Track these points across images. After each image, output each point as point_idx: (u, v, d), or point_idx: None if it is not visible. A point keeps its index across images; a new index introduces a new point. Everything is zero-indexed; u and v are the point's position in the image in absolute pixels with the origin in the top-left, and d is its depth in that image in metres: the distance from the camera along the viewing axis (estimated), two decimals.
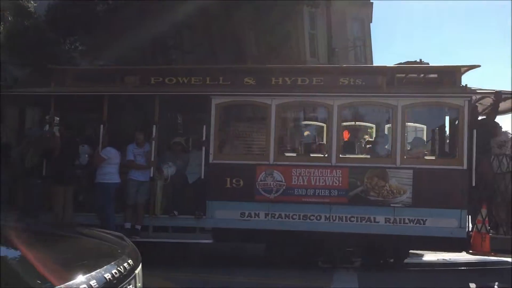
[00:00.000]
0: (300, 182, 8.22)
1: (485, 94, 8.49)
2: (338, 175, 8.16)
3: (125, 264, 2.67)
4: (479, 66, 8.25)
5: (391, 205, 8.04)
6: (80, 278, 2.24)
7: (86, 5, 13.49)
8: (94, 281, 2.27)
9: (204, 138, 8.43)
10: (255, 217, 8.27)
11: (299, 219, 8.20)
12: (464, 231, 7.93)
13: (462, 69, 8.49)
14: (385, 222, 8.07)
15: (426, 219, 7.97)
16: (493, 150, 8.40)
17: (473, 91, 8.29)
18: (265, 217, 8.24)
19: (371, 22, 21.41)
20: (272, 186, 8.26)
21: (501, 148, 8.32)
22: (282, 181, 8.23)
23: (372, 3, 21.11)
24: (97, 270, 2.40)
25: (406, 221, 8.02)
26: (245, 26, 14.11)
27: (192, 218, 8.33)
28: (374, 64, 19.18)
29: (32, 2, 13.65)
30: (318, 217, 8.18)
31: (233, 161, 8.52)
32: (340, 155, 8.36)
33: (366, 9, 20.72)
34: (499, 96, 8.23)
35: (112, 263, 2.61)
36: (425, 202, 7.98)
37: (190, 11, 12.98)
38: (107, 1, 13.92)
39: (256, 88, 8.63)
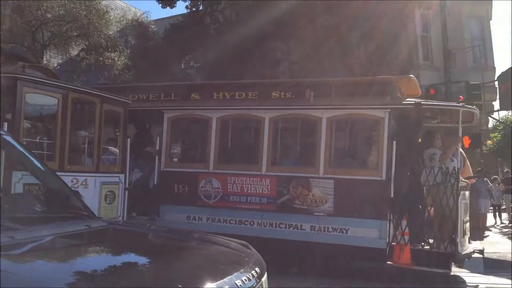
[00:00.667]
0: (234, 190, 8.88)
1: (405, 105, 8.29)
2: (267, 184, 8.65)
3: (253, 272, 2.64)
4: (410, 76, 8.05)
5: (315, 213, 8.30)
6: (211, 284, 2.31)
7: (201, 25, 15.39)
8: (227, 287, 2.37)
9: (157, 148, 9.49)
10: (198, 220, 9.15)
11: (235, 224, 8.89)
12: (384, 242, 7.90)
13: (395, 80, 8.59)
14: (311, 230, 8.37)
15: (348, 228, 8.11)
16: (425, 162, 8.29)
17: (394, 103, 8.21)
18: (207, 221, 9.09)
19: (491, 19, 19.48)
20: (211, 192, 9.02)
21: (431, 161, 8.23)
22: (219, 188, 8.97)
23: None
24: (228, 277, 2.44)
25: (330, 229, 8.23)
26: (351, 31, 14.29)
27: (147, 219, 9.50)
28: (495, 65, 18.67)
29: (152, 26, 15.74)
30: (252, 223, 8.78)
31: (179, 169, 9.42)
32: (271, 165, 8.78)
33: (484, 6, 18.75)
34: (418, 107, 8.05)
35: (241, 270, 2.60)
36: (346, 212, 8.12)
37: (297, 20, 13.95)
38: (219, 21, 15.60)
39: (201, 103, 9.42)
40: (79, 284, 2.11)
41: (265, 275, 2.87)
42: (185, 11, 16.19)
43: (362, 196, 8.09)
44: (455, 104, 9.06)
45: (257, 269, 2.75)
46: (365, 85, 8.93)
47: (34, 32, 15.05)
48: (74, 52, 17.28)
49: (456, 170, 7.88)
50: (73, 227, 3.01)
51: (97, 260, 2.65)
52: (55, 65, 17.47)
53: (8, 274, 2.07)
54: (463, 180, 8.30)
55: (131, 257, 2.70)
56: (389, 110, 8.08)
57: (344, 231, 8.14)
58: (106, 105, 8.02)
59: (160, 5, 15.41)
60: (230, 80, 13.51)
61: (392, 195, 7.86)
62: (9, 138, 3.74)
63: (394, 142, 7.92)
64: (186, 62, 16.42)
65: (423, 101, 8.30)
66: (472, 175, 9.60)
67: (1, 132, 3.84)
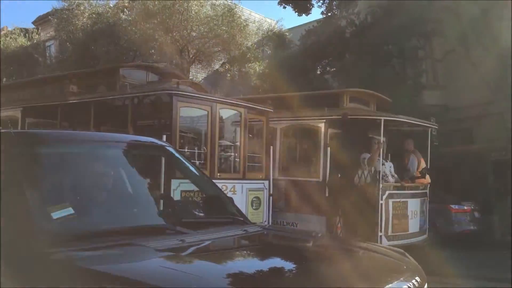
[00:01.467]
0: None
1: (335, 117, 9.18)
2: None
3: (413, 281, 2.56)
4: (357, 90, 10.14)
5: (274, 210, 8.82)
6: None
7: (336, 29, 15.54)
8: None
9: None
10: None
11: None
12: None
13: (339, 93, 9.99)
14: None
15: (297, 223, 9.00)
16: (361, 165, 9.06)
17: (329, 114, 9.24)
18: None
19: None
20: None
21: (363, 164, 8.99)
22: None
23: None
24: (388, 286, 2.42)
25: (284, 223, 9.09)
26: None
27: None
28: None
29: (287, 34, 16.50)
30: None
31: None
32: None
33: None
34: (345, 116, 8.90)
35: (401, 279, 2.55)
36: (294, 209, 9.05)
37: (439, 15, 13.45)
38: (355, 24, 15.58)
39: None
40: (241, 284, 2.22)
41: (426, 285, 2.75)
42: (320, 17, 16.32)
43: (306, 195, 8.80)
44: (379, 116, 9.41)
45: (417, 278, 2.64)
46: (315, 98, 10.11)
47: (181, 50, 16.33)
48: (216, 66, 18.37)
49: (379, 172, 8.64)
50: (232, 232, 3.18)
51: (256, 262, 2.78)
52: (200, 79, 18.73)
53: (179, 273, 2.27)
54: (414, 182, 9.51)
55: (289, 261, 2.75)
56: (324, 120, 9.17)
57: (294, 225, 8.99)
58: (250, 114, 8.38)
59: (296, 13, 15.70)
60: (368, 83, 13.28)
61: (327, 194, 8.75)
62: (171, 149, 4.10)
63: (328, 148, 8.91)
64: (322, 67, 16.44)
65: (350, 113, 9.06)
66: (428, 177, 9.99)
67: (164, 144, 4.22)
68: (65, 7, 17.78)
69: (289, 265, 2.68)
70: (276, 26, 18.17)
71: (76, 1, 17.66)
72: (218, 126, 7.90)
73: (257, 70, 16.45)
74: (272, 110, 8.99)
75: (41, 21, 24.58)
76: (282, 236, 3.42)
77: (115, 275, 2.20)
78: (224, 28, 15.35)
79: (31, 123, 9.46)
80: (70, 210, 2.77)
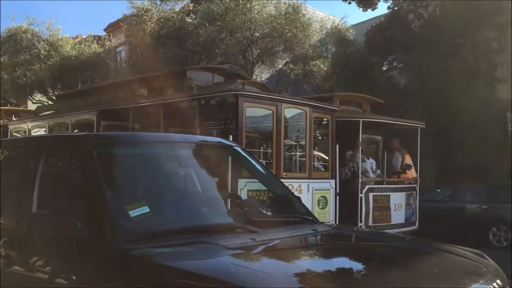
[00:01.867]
0: None
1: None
2: None
3: (494, 285, 2.49)
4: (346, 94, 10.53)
5: None
6: None
7: (403, 24, 15.07)
8: None
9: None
10: None
11: None
12: None
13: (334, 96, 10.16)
14: None
15: None
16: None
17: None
18: None
19: None
20: None
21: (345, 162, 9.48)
22: None
23: None
24: None
25: None
26: None
27: None
28: None
29: (351, 30, 16.41)
30: None
31: None
32: None
33: None
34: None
35: (481, 282, 2.49)
36: None
37: None
38: (423, 17, 15.06)
39: None
40: (312, 283, 2.21)
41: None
42: (385, 11, 15.88)
43: None
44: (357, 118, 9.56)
45: (498, 281, 2.54)
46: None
47: (245, 51, 16.50)
48: (279, 65, 18.40)
49: (358, 169, 9.16)
50: (302, 231, 3.18)
51: (327, 262, 2.76)
52: (264, 79, 18.84)
53: (250, 271, 2.30)
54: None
55: (361, 262, 2.71)
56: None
57: None
58: (315, 113, 8.32)
59: (361, 9, 15.40)
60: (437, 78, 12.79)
61: None
62: (239, 149, 4.15)
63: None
64: (389, 63, 16.00)
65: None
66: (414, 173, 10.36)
67: (232, 144, 4.29)
68: (134, 13, 18.49)
69: (361, 266, 2.64)
70: (340, 23, 17.92)
71: (145, 7, 18.32)
72: (283, 126, 7.91)
73: (321, 67, 16.28)
74: (338, 109, 8.88)
75: (112, 28, 25.73)
76: (352, 236, 3.37)
77: (188, 271, 2.26)
78: (287, 27, 15.33)
79: (105, 126, 9.93)
80: (146, 209, 2.89)
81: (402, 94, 14.28)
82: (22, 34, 20.66)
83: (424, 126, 10.48)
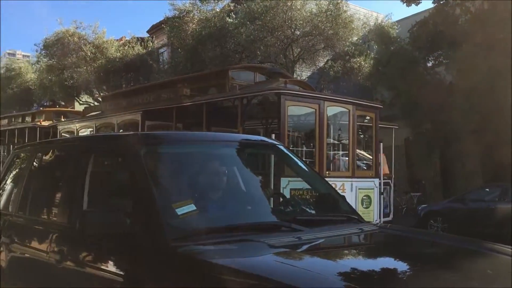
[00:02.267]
0: None
1: None
2: None
3: None
4: None
5: None
6: None
7: (449, 18, 14.45)
8: None
9: None
10: None
11: None
12: None
13: None
14: None
15: None
16: None
17: None
18: None
19: None
20: None
21: None
22: None
23: None
24: None
25: None
26: None
27: None
28: None
29: (395, 27, 16.17)
30: None
31: None
32: None
33: None
34: None
35: None
36: None
37: None
38: (470, 11, 14.40)
39: None
40: (360, 283, 2.16)
41: None
42: (430, 6, 15.42)
43: None
44: None
45: None
46: None
47: (285, 49, 16.46)
48: (320, 63, 18.24)
49: None
50: (348, 230, 3.14)
51: (375, 262, 2.71)
52: (304, 77, 18.74)
53: (297, 269, 2.28)
54: None
55: (410, 262, 2.62)
56: None
57: None
58: (358, 111, 8.21)
59: (405, 4, 15.00)
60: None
61: None
62: (282, 148, 4.14)
63: None
64: (434, 59, 15.55)
65: None
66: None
67: (275, 143, 4.27)
68: (176, 15, 18.78)
69: (409, 266, 2.56)
70: (384, 19, 17.58)
71: (186, 9, 18.57)
72: (326, 124, 7.85)
73: (362, 64, 16.02)
74: (382, 106, 8.73)
75: (155, 29, 26.23)
76: (400, 236, 3.29)
77: (235, 269, 2.27)
78: (329, 24, 15.19)
79: (149, 126, 10.15)
80: (192, 207, 2.92)
81: (448, 91, 13.86)
82: (69, 38, 21.37)
83: (397, 127, 10.66)
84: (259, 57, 17.07)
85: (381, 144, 8.65)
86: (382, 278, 2.31)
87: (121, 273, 2.72)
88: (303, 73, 19.24)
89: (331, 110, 8.19)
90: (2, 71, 33.11)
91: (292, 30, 15.91)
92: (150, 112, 10.16)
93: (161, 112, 9.91)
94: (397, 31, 16.49)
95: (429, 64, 15.76)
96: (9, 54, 60.41)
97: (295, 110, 8.14)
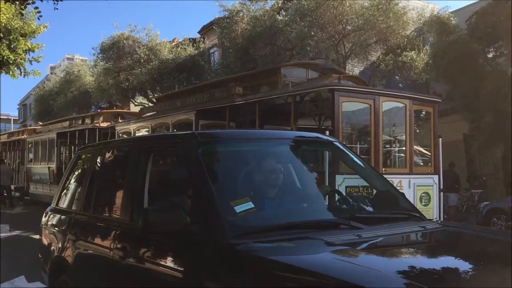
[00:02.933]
0: None
1: None
2: None
3: None
4: None
5: None
6: None
7: (509, 8, 13.40)
8: None
9: None
10: None
11: None
12: None
13: None
14: None
15: None
16: None
17: None
18: None
19: None
20: None
21: None
22: None
23: None
24: None
25: None
26: None
27: None
28: None
29: (451, 18, 15.72)
30: None
31: None
32: None
33: None
34: None
35: None
36: None
37: None
38: None
39: None
40: (424, 282, 2.07)
41: None
42: None
43: None
44: None
45: None
46: None
47: (337, 45, 16.24)
48: (372, 58, 17.87)
49: None
50: (409, 228, 3.05)
51: (438, 261, 2.61)
52: (356, 73, 18.43)
53: (356, 266, 2.24)
54: None
55: (477, 260, 2.53)
56: None
57: None
58: (415, 105, 7.97)
59: None
60: None
61: None
62: (338, 144, 4.08)
63: None
64: (495, 50, 14.83)
65: None
66: None
67: (331, 139, 4.22)
68: (226, 15, 18.96)
69: (476, 265, 2.45)
70: (440, 11, 16.97)
71: (235, 9, 18.70)
72: (381, 120, 7.67)
73: (416, 57, 15.53)
74: (440, 100, 8.43)
75: (206, 30, 26.61)
76: (464, 234, 3.17)
77: (295, 266, 2.26)
78: (381, 18, 14.84)
79: (203, 125, 10.30)
80: (250, 204, 2.93)
81: (510, 82, 13.20)
82: (124, 41, 22.06)
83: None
84: (310, 53, 16.93)
85: (440, 139, 8.33)
86: (445, 277, 2.24)
87: (181, 269, 2.77)
88: (355, 68, 18.93)
89: (387, 105, 7.99)
90: (62, 75, 34.68)
91: (343, 25, 15.67)
92: (204, 111, 10.31)
93: (214, 111, 10.04)
94: (454, 22, 15.87)
95: (489, 55, 15.05)
96: (68, 58, 63.15)
97: (349, 106, 8.01)
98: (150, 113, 13.49)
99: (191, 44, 23.04)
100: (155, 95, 21.41)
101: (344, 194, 5.18)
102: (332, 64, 11.43)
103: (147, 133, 11.98)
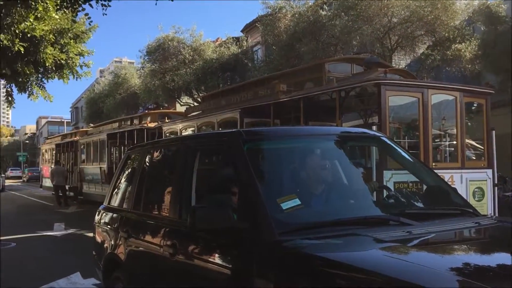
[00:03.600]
0: None
1: None
2: None
3: None
4: None
5: None
6: None
7: None
8: None
9: None
10: None
11: None
12: None
13: None
14: None
15: None
16: None
17: None
18: None
19: None
20: None
21: None
22: None
23: None
24: None
25: None
26: None
27: None
28: None
29: (502, 6, 15.24)
30: None
31: None
32: None
33: None
34: None
35: None
36: None
37: None
38: None
39: None
40: (472, 277, 2.02)
41: None
42: None
43: None
44: None
45: None
46: None
47: (382, 38, 15.90)
48: (420, 50, 17.38)
49: None
50: (462, 224, 2.95)
51: (494, 257, 2.53)
52: (403, 66, 17.98)
53: (407, 263, 2.18)
54: None
55: None
56: None
57: None
58: (466, 98, 7.69)
59: None
60: None
61: None
62: (386, 139, 3.99)
63: None
64: None
65: None
66: None
67: (379, 134, 4.13)
68: (269, 12, 18.95)
69: None
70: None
71: (278, 5, 18.66)
72: (431, 113, 7.45)
73: (464, 51, 14.95)
74: (493, 91, 8.09)
75: (249, 28, 26.73)
76: None
77: (344, 263, 2.23)
78: (428, 9, 14.41)
79: (248, 123, 10.34)
80: (297, 201, 2.92)
81: None
82: (169, 43, 22.48)
83: None
84: (355, 48, 16.67)
85: (493, 132, 8.00)
86: (501, 275, 2.14)
87: (229, 266, 2.79)
88: (401, 61, 18.50)
89: (436, 98, 7.74)
90: (110, 78, 35.75)
91: (389, 18, 15.32)
92: (248, 109, 10.35)
93: (259, 109, 10.05)
94: (505, 9, 15.20)
95: None
96: (116, 61, 65.04)
97: (396, 100, 7.82)
98: (195, 113, 13.68)
99: (234, 43, 23.18)
100: (200, 94, 21.70)
101: (392, 190, 5.08)
102: (378, 58, 11.20)
103: (192, 132, 12.15)
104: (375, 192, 3.82)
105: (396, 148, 3.88)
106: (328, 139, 3.72)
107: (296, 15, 17.62)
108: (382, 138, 3.98)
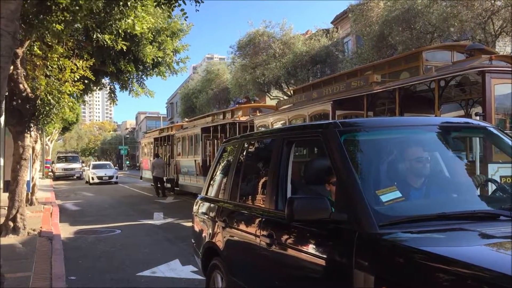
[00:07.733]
0: None
1: None
2: None
3: None
4: None
5: None
6: None
7: None
8: None
9: None
10: None
11: None
12: None
13: None
14: None
15: None
16: None
17: None
18: None
19: None
20: None
21: None
22: None
23: None
24: None
25: None
26: None
27: None
28: None
29: None
30: None
31: None
32: None
33: None
34: None
35: None
36: None
37: None
38: None
39: None
40: None
41: None
42: None
43: None
44: None
45: None
46: None
47: (484, 23, 14.86)
48: None
49: None
50: None
51: None
52: (509, 52, 16.69)
53: None
54: None
55: None
56: None
57: None
58: None
59: None
60: None
61: None
62: (493, 130, 3.73)
63: None
64: None
65: None
66: None
67: (486, 125, 3.88)
68: (361, 2, 18.49)
69: None
70: None
71: None
72: None
73: None
74: None
75: (339, 19, 26.28)
76: None
77: (447, 257, 2.12)
78: None
79: (340, 115, 10.19)
80: (397, 194, 2.83)
81: None
82: (259, 37, 22.76)
83: None
84: (454, 35, 15.75)
85: None
86: None
87: (325, 257, 2.77)
88: (507, 47, 17.18)
89: None
90: (203, 74, 36.99)
91: (492, 1, 14.29)
92: (341, 101, 10.19)
93: (351, 101, 9.86)
94: None
95: None
96: (207, 58, 67.09)
97: (502, 88, 7.26)
98: (286, 106, 13.73)
99: (324, 35, 22.93)
100: (290, 88, 21.74)
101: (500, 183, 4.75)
102: (481, 44, 10.47)
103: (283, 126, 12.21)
104: (479, 186, 3.61)
105: (505, 139, 3.61)
106: (428, 129, 3.56)
107: (389, 3, 17.01)
108: (488, 128, 3.73)
